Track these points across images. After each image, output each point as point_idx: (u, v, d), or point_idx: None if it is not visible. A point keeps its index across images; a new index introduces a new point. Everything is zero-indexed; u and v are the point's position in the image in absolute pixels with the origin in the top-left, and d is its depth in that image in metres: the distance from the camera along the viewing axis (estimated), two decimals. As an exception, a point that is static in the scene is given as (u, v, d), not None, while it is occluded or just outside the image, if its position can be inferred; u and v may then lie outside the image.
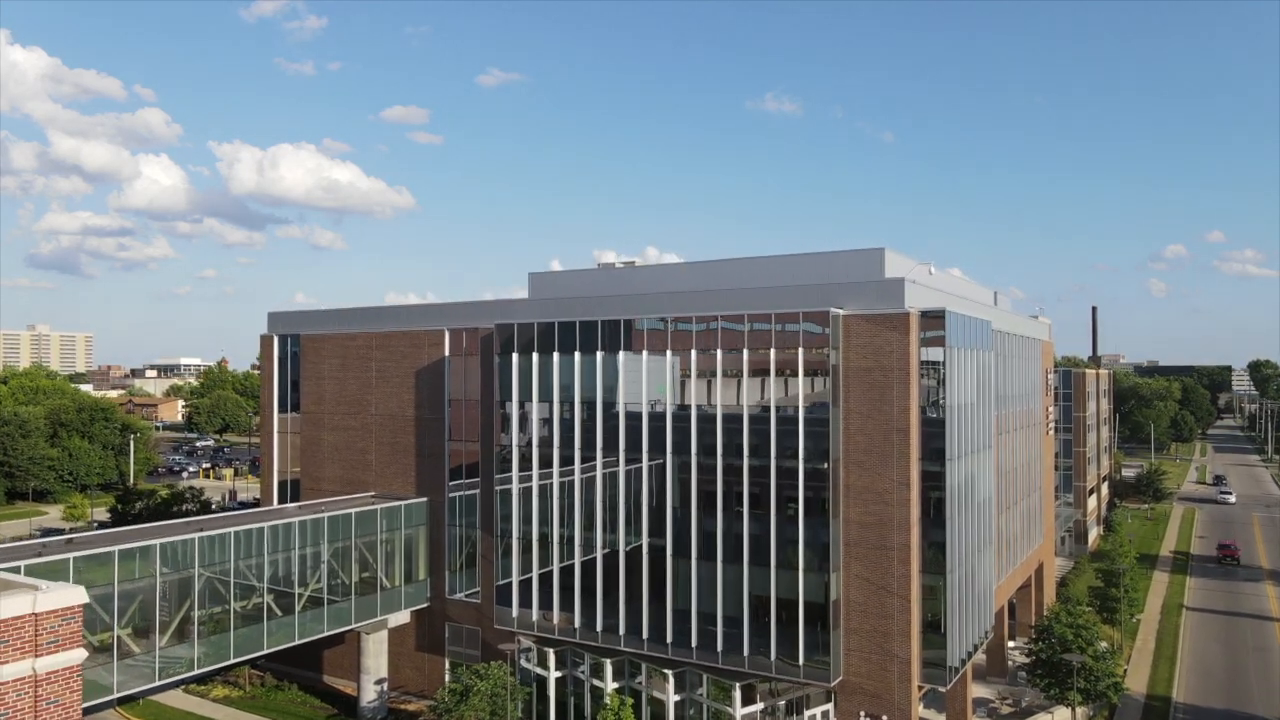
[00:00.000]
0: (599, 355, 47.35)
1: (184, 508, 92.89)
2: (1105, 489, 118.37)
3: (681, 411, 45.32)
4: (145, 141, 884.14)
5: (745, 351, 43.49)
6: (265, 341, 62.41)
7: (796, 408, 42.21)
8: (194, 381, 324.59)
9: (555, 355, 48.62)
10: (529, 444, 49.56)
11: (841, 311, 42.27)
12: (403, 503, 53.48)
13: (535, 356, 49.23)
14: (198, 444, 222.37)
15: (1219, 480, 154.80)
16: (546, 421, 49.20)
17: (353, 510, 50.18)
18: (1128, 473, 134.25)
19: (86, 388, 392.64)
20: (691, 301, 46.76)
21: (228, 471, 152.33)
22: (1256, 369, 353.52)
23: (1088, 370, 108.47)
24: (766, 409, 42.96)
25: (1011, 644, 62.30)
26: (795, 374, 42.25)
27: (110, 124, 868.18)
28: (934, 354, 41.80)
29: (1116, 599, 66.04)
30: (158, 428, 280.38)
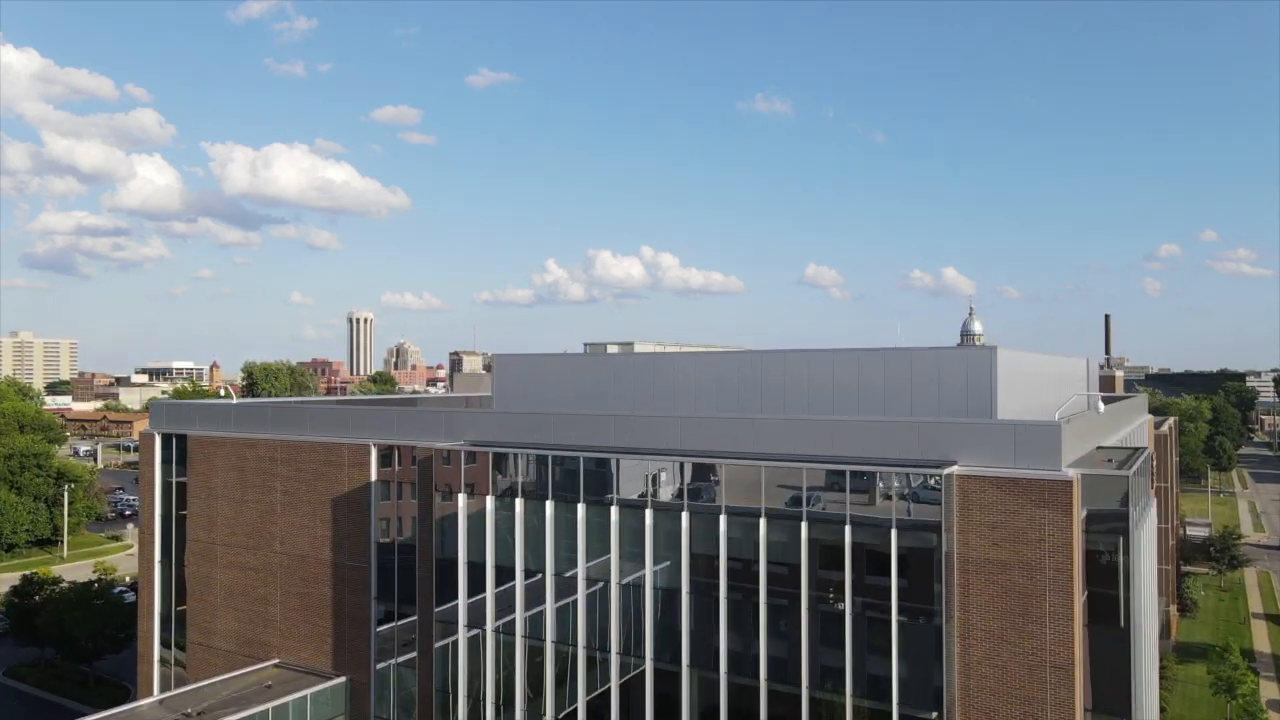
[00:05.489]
0: (580, 508, 32.23)
1: (94, 601, 77.66)
2: (1173, 553, 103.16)
3: (704, 600, 30.19)
4: (139, 142, 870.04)
5: (804, 524, 28.33)
6: (145, 441, 47.18)
7: (888, 615, 27.05)
8: (180, 387, 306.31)
9: (519, 501, 33.48)
10: (482, 625, 34.37)
11: (955, 469, 27.08)
12: (309, 691, 38.27)
13: (490, 500, 34.10)
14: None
15: None
16: (508, 591, 34.04)
17: (234, 718, 34.97)
18: (1192, 531, 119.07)
19: (66, 399, 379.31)
20: (715, 433, 31.58)
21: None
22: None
23: (1163, 429, 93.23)
24: (839, 613, 27.80)
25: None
26: (886, 563, 27.10)
27: (104, 124, 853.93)
28: (1108, 540, 26.61)
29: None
30: (128, 448, 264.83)
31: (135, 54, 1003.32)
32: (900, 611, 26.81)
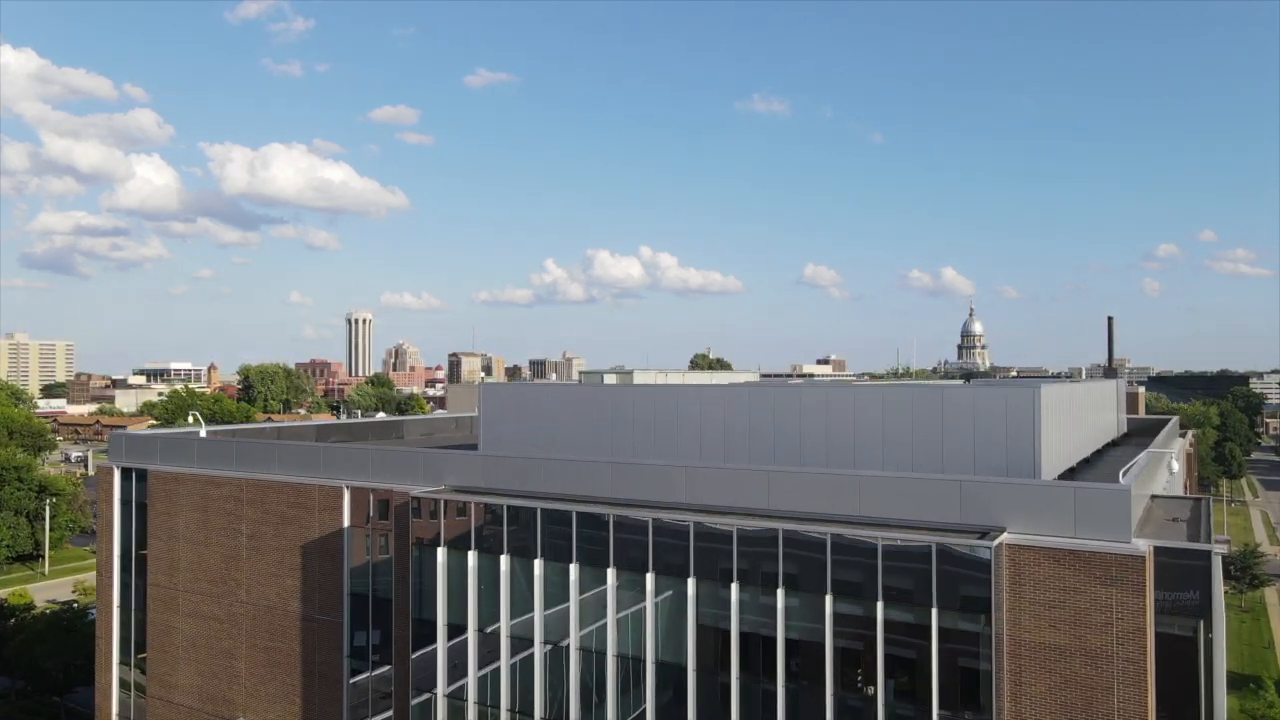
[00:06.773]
0: (573, 569, 28.57)
1: (66, 630, 74.10)
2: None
3: (712, 677, 26.54)
4: (138, 142, 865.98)
5: (829, 597, 24.68)
6: (103, 476, 43.50)
7: (927, 707, 23.39)
8: (175, 390, 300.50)
9: (505, 558, 29.82)
10: (463, 693, 30.70)
11: (1005, 538, 23.43)
12: (274, 760, 34.69)
13: (473, 555, 30.43)
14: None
15: None
16: (491, 656, 30.40)
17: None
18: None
19: (60, 403, 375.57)
20: (725, 484, 27.94)
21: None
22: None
23: (1188, 447, 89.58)
24: (869, 701, 24.14)
25: None
26: (926, 644, 23.46)
27: (102, 124, 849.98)
28: (1185, 623, 22.93)
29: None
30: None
31: (133, 54, 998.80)
32: (941, 704, 23.16)
